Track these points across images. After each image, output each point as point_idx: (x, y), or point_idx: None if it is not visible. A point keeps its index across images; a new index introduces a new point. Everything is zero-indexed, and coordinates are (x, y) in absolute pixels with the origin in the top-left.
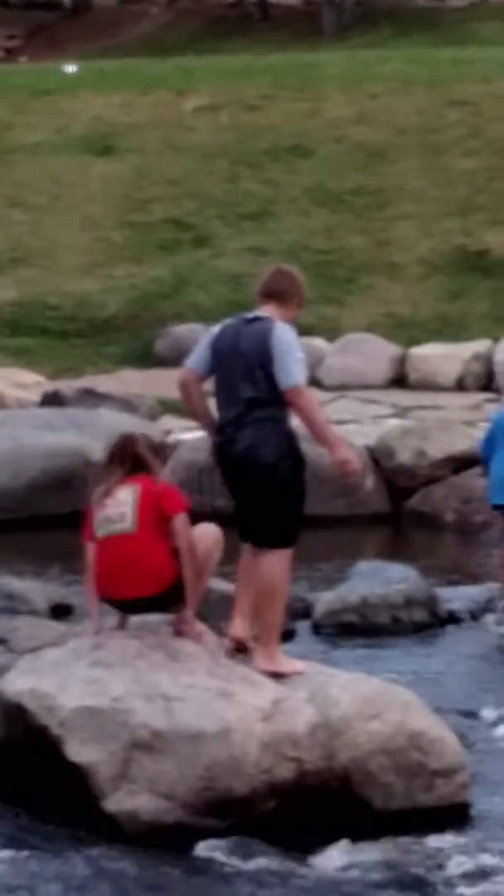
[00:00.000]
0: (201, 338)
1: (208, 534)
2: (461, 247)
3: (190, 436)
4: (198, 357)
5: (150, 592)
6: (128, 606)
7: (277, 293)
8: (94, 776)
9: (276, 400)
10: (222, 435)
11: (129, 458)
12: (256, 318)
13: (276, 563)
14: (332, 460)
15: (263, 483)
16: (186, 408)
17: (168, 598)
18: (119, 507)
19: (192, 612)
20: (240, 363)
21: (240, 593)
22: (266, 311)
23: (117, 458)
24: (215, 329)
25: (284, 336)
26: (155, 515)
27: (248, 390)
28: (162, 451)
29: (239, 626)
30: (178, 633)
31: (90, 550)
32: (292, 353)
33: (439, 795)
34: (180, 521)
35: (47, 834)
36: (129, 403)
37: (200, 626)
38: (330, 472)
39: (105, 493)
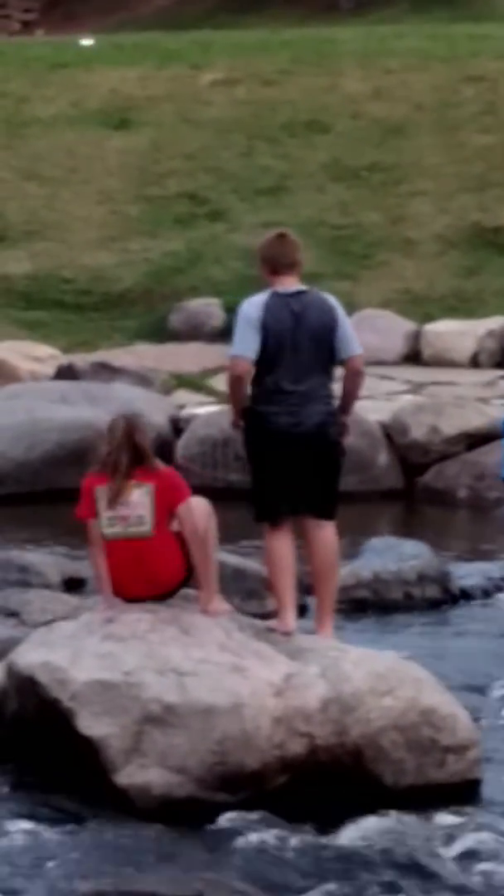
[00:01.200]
0: (242, 326)
1: (200, 508)
2: (477, 223)
3: (204, 410)
4: (252, 346)
5: (166, 590)
6: (142, 600)
7: (298, 263)
8: (106, 750)
9: (331, 375)
10: (286, 408)
11: (131, 445)
12: (302, 292)
13: (335, 532)
14: (342, 423)
15: (334, 458)
16: (234, 399)
17: (182, 585)
18: (136, 509)
19: (212, 593)
20: (306, 338)
21: (289, 586)
22: (291, 282)
23: (124, 446)
24: (254, 312)
25: (340, 305)
26: (167, 513)
27: (317, 367)
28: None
29: (293, 617)
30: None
31: (95, 528)
32: (349, 321)
33: (451, 772)
34: (184, 509)
35: (59, 807)
36: (143, 377)
37: (224, 605)
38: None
39: (117, 492)
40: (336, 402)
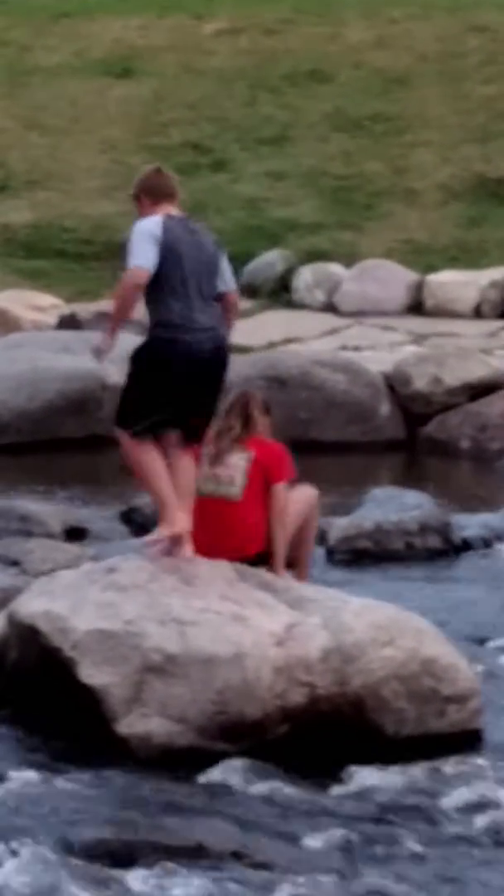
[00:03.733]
0: (140, 239)
1: (303, 495)
2: (480, 174)
3: None
4: (152, 258)
5: (244, 557)
6: None
7: (176, 195)
8: (107, 699)
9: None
10: (193, 334)
11: (245, 415)
12: (189, 218)
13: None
14: None
15: (222, 383)
16: (122, 307)
17: (264, 558)
18: (229, 469)
19: (280, 574)
20: (205, 265)
21: (169, 485)
22: (174, 211)
23: (235, 413)
24: (155, 228)
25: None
26: (262, 483)
27: (212, 290)
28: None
29: (180, 516)
30: None
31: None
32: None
33: (451, 722)
34: (278, 488)
35: (59, 756)
36: (145, 326)
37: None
38: (344, 399)
39: (220, 453)
40: None
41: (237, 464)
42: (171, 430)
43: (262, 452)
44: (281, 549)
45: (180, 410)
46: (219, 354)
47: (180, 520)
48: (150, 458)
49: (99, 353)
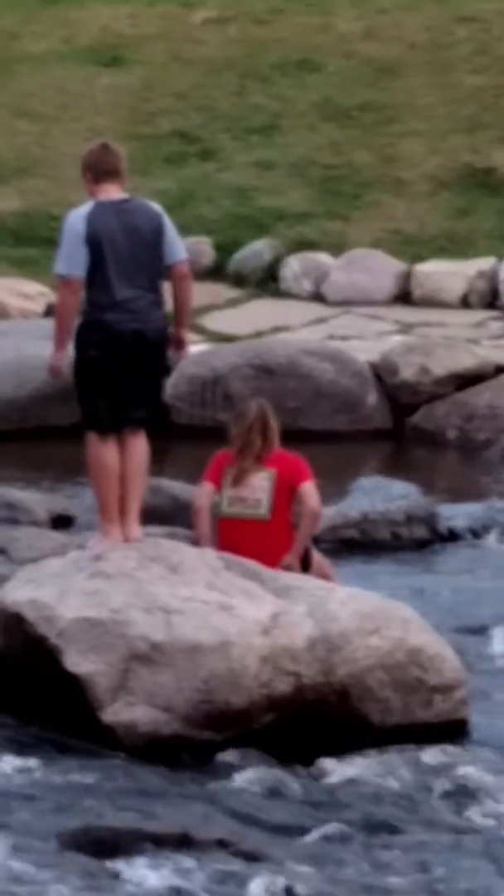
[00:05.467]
0: (67, 240)
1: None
2: (468, 164)
3: (193, 349)
4: (79, 261)
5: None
6: None
7: (120, 172)
8: (92, 687)
9: (161, 281)
10: (129, 315)
11: (264, 429)
12: (125, 200)
13: (146, 442)
14: (178, 336)
15: (165, 364)
16: (63, 322)
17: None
18: (255, 492)
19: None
20: (138, 247)
21: (115, 496)
22: (115, 191)
23: (257, 429)
24: (79, 224)
25: (164, 212)
26: (288, 494)
27: (152, 272)
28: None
29: (118, 529)
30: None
31: (205, 495)
32: (174, 227)
33: (437, 712)
34: (308, 487)
35: (45, 744)
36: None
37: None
38: (331, 388)
39: (242, 473)
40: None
41: (261, 485)
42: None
43: (283, 469)
44: (302, 545)
45: (113, 394)
46: (143, 338)
47: (118, 532)
48: (104, 460)
49: (55, 371)
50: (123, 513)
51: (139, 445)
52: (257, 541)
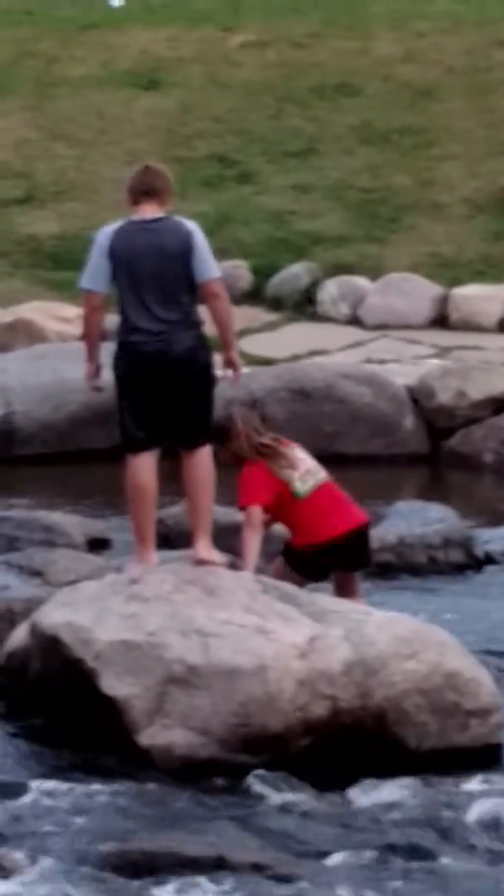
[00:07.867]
0: (92, 254)
1: None
2: None
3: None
4: (99, 276)
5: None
6: (360, 536)
7: (157, 191)
8: (129, 710)
9: (196, 301)
10: (153, 336)
11: (254, 423)
12: (158, 219)
13: (209, 456)
14: (226, 359)
15: (204, 383)
16: (87, 333)
17: None
18: (308, 462)
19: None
20: (166, 266)
21: (150, 519)
22: (151, 210)
23: (253, 429)
24: (104, 240)
25: (198, 230)
26: None
27: (180, 291)
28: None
29: (153, 553)
30: None
31: (258, 514)
32: (207, 246)
33: (473, 736)
34: None
35: (81, 767)
36: None
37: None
38: (368, 412)
39: (287, 458)
40: (203, 328)
41: (304, 455)
42: (171, 442)
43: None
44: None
45: (144, 415)
46: (167, 358)
47: (152, 556)
48: (137, 483)
49: (90, 382)
50: (191, 533)
51: (197, 464)
52: (340, 494)
